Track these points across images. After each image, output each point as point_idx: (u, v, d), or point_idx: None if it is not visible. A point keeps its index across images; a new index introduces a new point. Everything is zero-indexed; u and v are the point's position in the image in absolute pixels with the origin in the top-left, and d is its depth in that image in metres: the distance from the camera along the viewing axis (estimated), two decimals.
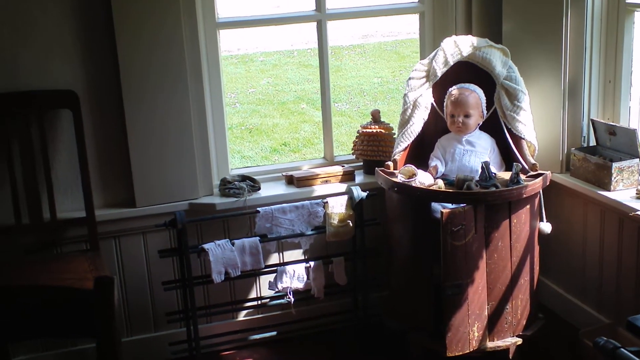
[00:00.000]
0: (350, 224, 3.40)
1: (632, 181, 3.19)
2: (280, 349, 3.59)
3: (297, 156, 6.91)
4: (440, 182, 3.18)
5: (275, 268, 3.43)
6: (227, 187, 3.47)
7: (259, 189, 3.52)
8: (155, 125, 3.31)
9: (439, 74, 3.32)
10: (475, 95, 3.32)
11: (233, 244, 3.28)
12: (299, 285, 3.43)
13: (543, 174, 3.19)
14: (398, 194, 3.19)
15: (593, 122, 3.35)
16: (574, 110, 3.39)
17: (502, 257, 3.10)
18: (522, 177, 3.14)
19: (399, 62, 9.44)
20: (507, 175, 3.17)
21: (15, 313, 1.85)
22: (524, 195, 3.06)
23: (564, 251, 3.61)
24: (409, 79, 3.39)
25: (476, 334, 3.12)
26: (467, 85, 3.34)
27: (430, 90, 3.38)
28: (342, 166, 3.69)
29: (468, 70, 3.38)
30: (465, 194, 3.03)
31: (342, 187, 3.54)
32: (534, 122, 3.37)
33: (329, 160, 3.78)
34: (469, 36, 3.39)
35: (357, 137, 3.70)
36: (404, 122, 3.37)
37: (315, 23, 3.62)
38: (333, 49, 9.28)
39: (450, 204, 3.07)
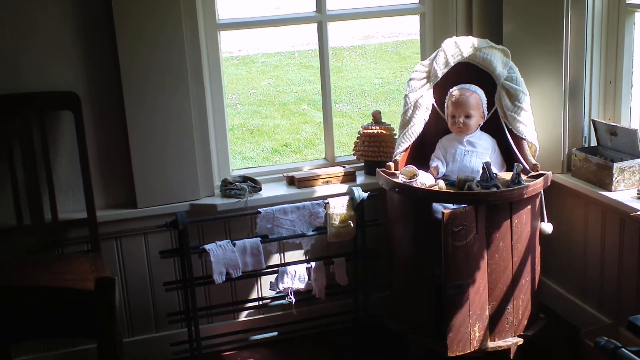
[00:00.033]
0: (352, 225, 3.40)
1: (633, 181, 3.19)
2: (281, 350, 3.60)
3: (298, 157, 6.91)
4: (441, 183, 3.18)
5: (276, 268, 3.43)
6: (228, 187, 3.47)
7: (260, 189, 3.52)
8: (156, 126, 3.32)
9: (440, 75, 3.32)
10: (476, 95, 3.32)
11: (234, 245, 3.28)
12: (300, 285, 3.43)
13: (544, 174, 3.19)
14: (399, 195, 3.19)
15: (594, 122, 3.35)
16: (575, 111, 3.39)
17: (503, 257, 3.10)
18: (523, 177, 3.14)
19: (400, 62, 9.45)
20: (508, 176, 3.17)
21: (16, 314, 1.85)
22: (525, 196, 3.06)
23: (565, 251, 3.61)
24: (410, 79, 3.39)
25: (477, 334, 3.13)
26: (467, 86, 3.35)
27: (431, 91, 3.38)
28: (343, 167, 3.69)
29: (469, 71, 3.38)
30: (466, 194, 3.03)
31: (343, 187, 3.54)
32: (535, 122, 3.37)
33: (330, 161, 3.79)
34: (470, 37, 3.39)
35: (358, 138, 3.70)
36: (405, 123, 3.37)
37: (315, 24, 3.62)
38: (334, 50, 9.29)
39: (451, 205, 3.07)
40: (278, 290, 3.43)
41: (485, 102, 3.35)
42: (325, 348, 3.61)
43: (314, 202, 3.41)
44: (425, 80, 3.37)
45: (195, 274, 3.32)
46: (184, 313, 3.36)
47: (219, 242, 3.28)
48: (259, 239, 3.33)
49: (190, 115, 3.35)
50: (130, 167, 3.34)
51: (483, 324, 3.13)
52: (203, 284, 3.41)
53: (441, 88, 3.39)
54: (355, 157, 3.72)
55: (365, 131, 3.64)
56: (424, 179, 3.18)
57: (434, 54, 3.39)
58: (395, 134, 3.59)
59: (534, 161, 3.29)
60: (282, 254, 3.61)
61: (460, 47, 3.32)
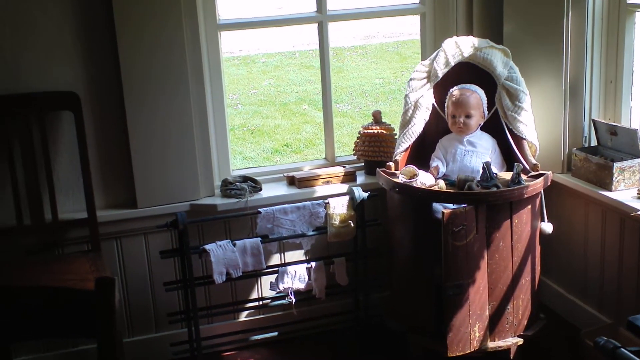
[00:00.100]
0: (352, 225, 3.40)
1: (633, 181, 3.19)
2: (282, 350, 3.60)
3: (298, 157, 6.91)
4: (442, 183, 3.18)
5: (276, 268, 3.43)
6: (228, 188, 3.47)
7: (261, 189, 3.52)
8: (157, 127, 3.32)
9: (440, 75, 3.32)
10: (476, 95, 3.32)
11: (234, 245, 3.28)
12: (300, 285, 3.43)
13: (544, 174, 3.19)
14: (399, 195, 3.19)
15: (594, 122, 3.35)
16: (575, 111, 3.39)
17: (503, 257, 3.10)
18: (524, 177, 3.14)
19: (401, 63, 9.45)
20: (508, 176, 3.17)
21: (16, 314, 1.86)
22: (525, 196, 3.06)
23: (565, 251, 3.61)
24: (410, 79, 3.39)
25: (477, 334, 3.12)
26: (468, 85, 3.35)
27: (432, 91, 3.38)
28: (344, 167, 3.69)
29: (469, 71, 3.38)
30: (466, 194, 3.03)
31: (344, 187, 3.54)
32: (535, 122, 3.37)
33: (330, 161, 3.79)
34: (470, 37, 3.39)
35: (358, 138, 3.70)
36: (405, 123, 3.37)
37: (316, 24, 3.62)
38: (335, 50, 9.29)
39: (452, 205, 3.08)
40: (278, 290, 3.43)
41: (486, 102, 3.35)
42: (325, 348, 3.61)
43: (314, 202, 3.41)
44: (425, 80, 3.37)
45: (195, 274, 3.32)
46: (184, 313, 3.36)
47: (219, 242, 3.28)
48: (259, 239, 3.33)
49: (190, 116, 3.35)
50: (131, 167, 3.34)
51: (483, 324, 3.13)
52: (203, 284, 3.41)
53: (441, 88, 3.39)
54: (355, 157, 3.72)
55: (366, 131, 3.64)
56: (424, 179, 3.19)
57: (434, 54, 3.39)
58: (396, 134, 3.59)
59: (534, 161, 3.29)
60: (282, 254, 3.61)
61: (460, 47, 3.32)
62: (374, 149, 3.60)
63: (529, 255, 3.19)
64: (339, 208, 3.39)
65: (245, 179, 3.55)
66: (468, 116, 3.29)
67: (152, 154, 3.34)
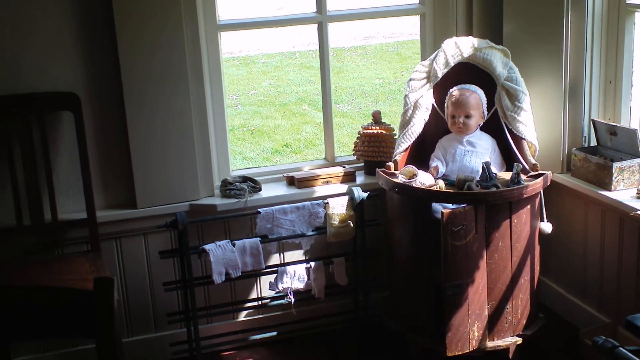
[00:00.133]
0: (351, 225, 3.40)
1: (632, 181, 3.19)
2: (281, 350, 3.60)
3: (298, 157, 6.91)
4: (441, 183, 3.18)
5: (276, 268, 3.44)
6: (228, 188, 3.48)
7: (260, 189, 3.52)
8: (157, 127, 3.32)
9: (440, 75, 3.32)
10: (476, 96, 3.32)
11: (234, 245, 3.29)
12: (300, 285, 3.43)
13: (544, 174, 3.19)
14: (399, 195, 3.20)
15: (594, 122, 3.35)
16: (575, 111, 3.39)
17: (502, 257, 3.10)
18: (523, 177, 3.14)
19: (401, 63, 9.45)
20: (507, 176, 3.17)
21: (16, 313, 1.86)
22: (525, 196, 3.06)
23: (565, 251, 3.61)
24: (410, 80, 3.39)
25: (476, 333, 3.13)
26: (467, 86, 3.35)
27: (431, 91, 3.38)
28: (343, 167, 3.69)
29: (469, 71, 3.39)
30: (465, 194, 3.03)
31: (343, 187, 3.55)
32: (535, 122, 3.37)
33: (330, 161, 3.79)
34: (470, 37, 3.40)
35: (358, 138, 3.70)
36: (405, 123, 3.38)
37: (316, 25, 3.63)
38: (334, 50, 9.29)
39: (451, 205, 3.08)
40: (277, 290, 3.43)
41: (485, 102, 3.35)
42: (325, 348, 3.61)
43: (313, 202, 3.41)
44: (425, 81, 3.37)
45: (194, 274, 3.33)
46: (184, 313, 3.37)
47: (218, 242, 3.28)
48: (258, 239, 3.33)
49: (190, 116, 3.36)
50: (130, 167, 3.34)
51: (482, 323, 3.13)
52: (202, 284, 3.41)
53: (441, 88, 3.39)
54: (355, 157, 3.73)
55: (365, 131, 3.64)
56: (423, 179, 3.19)
57: (434, 54, 3.39)
58: (395, 134, 3.59)
59: (533, 161, 3.29)
60: (281, 254, 3.61)
61: (460, 47, 3.32)
62: (374, 149, 3.61)
63: (528, 255, 3.19)
64: (338, 208, 3.39)
65: (244, 179, 3.55)
66: (468, 116, 3.29)
67: (152, 154, 3.34)
